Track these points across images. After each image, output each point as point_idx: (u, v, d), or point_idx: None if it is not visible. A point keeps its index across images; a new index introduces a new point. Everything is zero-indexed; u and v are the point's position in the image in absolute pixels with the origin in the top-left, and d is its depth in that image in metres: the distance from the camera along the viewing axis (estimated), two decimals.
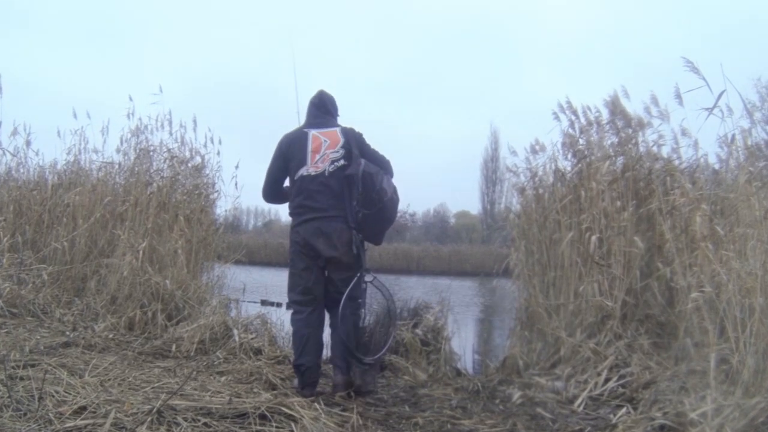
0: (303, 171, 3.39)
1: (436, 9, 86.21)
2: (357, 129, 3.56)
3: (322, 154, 3.39)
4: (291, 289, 3.48)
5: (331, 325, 3.45)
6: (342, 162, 3.37)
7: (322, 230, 3.30)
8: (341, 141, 3.43)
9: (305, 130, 3.52)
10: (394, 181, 3.53)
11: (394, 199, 3.42)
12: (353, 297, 3.37)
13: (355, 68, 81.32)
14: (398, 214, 3.67)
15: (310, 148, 3.42)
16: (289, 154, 3.47)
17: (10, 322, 4.53)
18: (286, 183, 3.63)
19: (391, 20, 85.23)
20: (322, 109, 3.62)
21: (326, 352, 4.48)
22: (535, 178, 4.78)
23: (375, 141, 3.64)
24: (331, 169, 3.36)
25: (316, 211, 3.33)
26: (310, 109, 3.65)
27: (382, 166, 3.48)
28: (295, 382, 3.46)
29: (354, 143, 3.42)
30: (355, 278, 3.34)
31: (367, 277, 3.40)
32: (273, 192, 3.65)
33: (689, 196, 3.71)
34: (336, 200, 3.32)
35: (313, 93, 3.69)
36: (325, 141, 3.43)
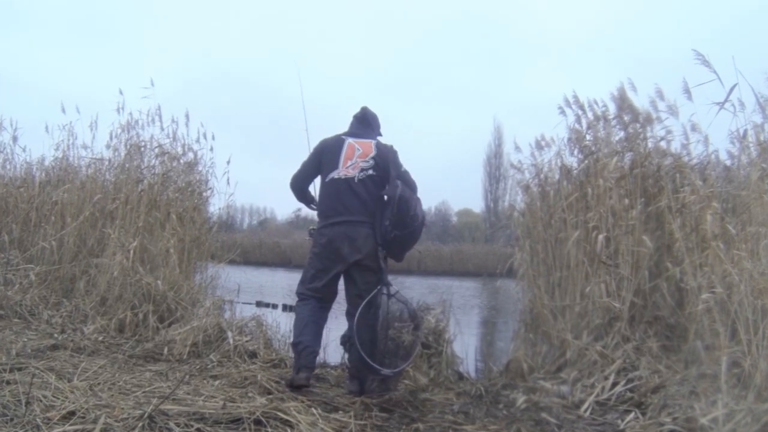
0: (334, 174, 3.60)
1: (435, 2, 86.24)
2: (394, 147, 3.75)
3: (354, 161, 3.61)
4: (302, 282, 3.65)
5: (349, 336, 3.57)
6: (371, 172, 3.57)
7: (348, 234, 3.48)
8: (373, 152, 3.63)
9: (343, 137, 3.74)
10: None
11: (423, 225, 3.67)
12: (374, 305, 3.49)
13: (352, 63, 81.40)
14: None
15: (343, 153, 3.63)
16: (324, 156, 3.70)
17: None
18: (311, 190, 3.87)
19: (389, 14, 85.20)
20: (363, 123, 3.85)
21: (322, 357, 4.49)
22: (541, 175, 4.77)
23: None
24: (360, 176, 3.56)
25: (342, 214, 3.52)
26: (352, 121, 3.90)
27: (410, 188, 3.68)
28: (289, 376, 3.51)
29: (390, 160, 3.61)
30: (376, 289, 3.47)
31: (391, 290, 3.53)
32: (300, 185, 3.86)
33: (700, 194, 3.70)
34: (363, 207, 3.52)
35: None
36: (358, 149, 3.65)
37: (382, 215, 3.52)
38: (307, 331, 3.47)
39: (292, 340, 3.57)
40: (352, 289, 3.59)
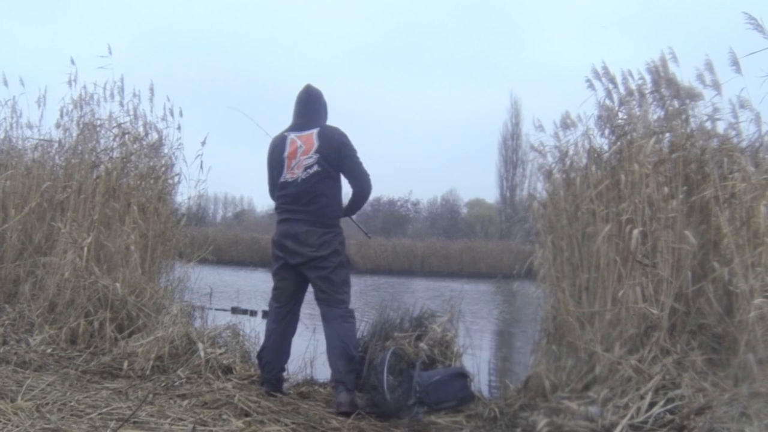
0: (282, 177, 4.03)
1: None
2: (342, 129, 4.10)
3: (297, 160, 3.98)
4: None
5: (329, 345, 3.83)
6: (315, 168, 3.93)
7: (290, 232, 3.94)
8: (315, 145, 3.98)
9: (285, 134, 4.12)
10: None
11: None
12: (341, 302, 3.91)
13: (344, 32, 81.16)
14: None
15: (287, 154, 4.02)
16: (272, 160, 4.12)
17: None
18: None
19: None
20: (308, 106, 4.18)
21: (309, 373, 4.49)
22: (565, 159, 4.76)
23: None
24: (303, 176, 3.94)
25: (287, 212, 4.00)
26: (296, 107, 4.22)
27: (359, 182, 4.07)
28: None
29: (333, 149, 3.96)
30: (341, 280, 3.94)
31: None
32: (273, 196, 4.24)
33: (751, 182, 3.69)
34: (307, 205, 3.92)
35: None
36: (300, 146, 4.01)
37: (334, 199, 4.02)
38: (270, 345, 4.02)
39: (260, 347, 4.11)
40: (317, 292, 3.97)
